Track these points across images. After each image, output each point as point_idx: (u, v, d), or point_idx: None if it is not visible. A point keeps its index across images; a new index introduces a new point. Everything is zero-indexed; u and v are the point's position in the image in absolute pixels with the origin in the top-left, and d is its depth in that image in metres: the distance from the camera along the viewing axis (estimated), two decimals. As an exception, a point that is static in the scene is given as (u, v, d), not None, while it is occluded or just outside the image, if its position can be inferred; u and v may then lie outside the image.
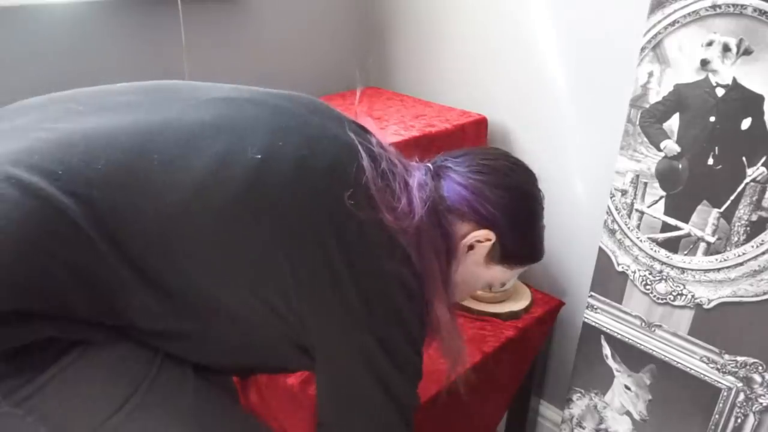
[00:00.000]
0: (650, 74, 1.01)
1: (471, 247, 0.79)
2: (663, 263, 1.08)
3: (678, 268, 1.06)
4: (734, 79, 0.92)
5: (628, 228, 1.11)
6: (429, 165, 0.81)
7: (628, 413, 1.23)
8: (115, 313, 0.62)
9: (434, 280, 0.74)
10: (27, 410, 0.60)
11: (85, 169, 0.59)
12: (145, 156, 0.62)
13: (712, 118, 0.95)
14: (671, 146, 1.02)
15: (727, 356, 1.04)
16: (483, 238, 0.78)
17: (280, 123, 0.70)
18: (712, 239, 1.01)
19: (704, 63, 0.94)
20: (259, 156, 0.65)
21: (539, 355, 1.48)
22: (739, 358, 1.03)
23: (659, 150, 1.03)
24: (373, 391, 0.72)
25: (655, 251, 1.08)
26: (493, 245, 0.79)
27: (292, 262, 0.65)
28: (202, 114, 0.68)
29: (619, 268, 1.14)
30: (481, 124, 1.45)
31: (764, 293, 0.97)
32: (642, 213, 1.09)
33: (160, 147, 0.63)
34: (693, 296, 1.06)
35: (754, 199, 0.94)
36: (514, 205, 0.79)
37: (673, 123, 1.00)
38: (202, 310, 0.66)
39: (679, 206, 1.03)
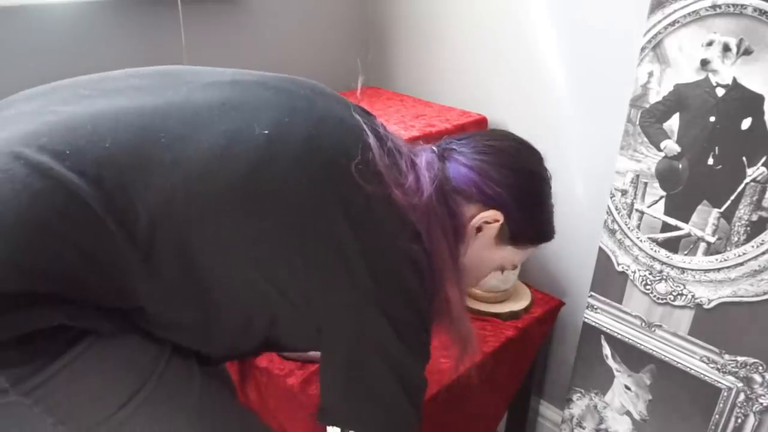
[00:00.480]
0: (650, 74, 1.01)
1: (479, 229, 0.79)
2: (663, 263, 1.08)
3: (678, 268, 1.06)
4: (734, 79, 0.92)
5: (628, 228, 1.11)
6: (434, 147, 0.81)
7: (628, 413, 1.23)
8: (124, 296, 0.62)
9: (443, 260, 0.73)
10: (34, 400, 0.60)
11: (92, 148, 0.59)
12: (151, 136, 0.62)
13: (712, 118, 0.95)
14: (671, 146, 1.02)
15: (727, 356, 1.04)
16: (491, 219, 0.78)
17: (287, 103, 0.70)
18: (712, 239, 1.01)
19: (704, 63, 0.94)
20: (266, 132, 0.65)
21: (539, 355, 1.48)
22: (740, 358, 1.03)
23: (659, 150, 1.03)
24: (380, 371, 0.71)
25: (655, 251, 1.08)
26: (501, 226, 0.79)
27: (299, 238, 0.65)
28: (209, 95, 0.68)
29: (619, 268, 1.14)
30: (481, 124, 1.45)
31: (764, 293, 0.97)
32: (642, 213, 1.09)
33: (166, 127, 0.63)
34: (693, 296, 1.06)
35: (754, 199, 0.94)
36: (520, 185, 0.79)
37: (673, 123, 1.00)
38: (207, 290, 0.66)
39: (679, 206, 1.03)
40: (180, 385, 0.69)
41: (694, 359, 1.09)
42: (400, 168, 0.72)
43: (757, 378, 1.02)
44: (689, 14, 0.94)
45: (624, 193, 1.10)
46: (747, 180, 0.94)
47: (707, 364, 1.07)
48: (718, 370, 1.06)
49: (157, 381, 0.66)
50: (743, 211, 0.96)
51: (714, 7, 0.91)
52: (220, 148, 0.63)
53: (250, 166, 0.64)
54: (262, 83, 0.73)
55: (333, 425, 0.75)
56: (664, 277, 1.08)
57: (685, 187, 1.02)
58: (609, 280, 1.16)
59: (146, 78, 0.71)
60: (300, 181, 0.65)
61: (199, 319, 0.68)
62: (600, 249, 1.16)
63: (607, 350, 1.21)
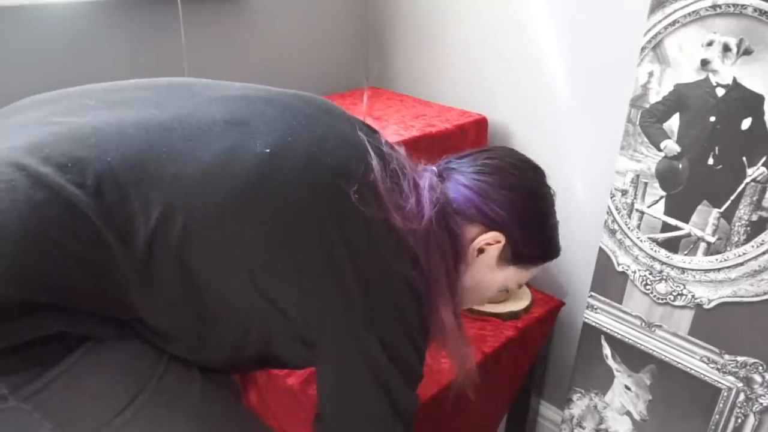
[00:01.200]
0: (650, 74, 1.01)
1: (481, 251, 0.78)
2: (663, 263, 1.08)
3: (678, 268, 1.06)
4: (734, 79, 0.92)
5: (629, 228, 1.11)
6: (433, 168, 0.80)
7: (629, 413, 1.23)
8: (123, 307, 0.62)
9: (441, 285, 0.73)
10: (34, 406, 0.60)
11: (94, 162, 0.60)
12: (153, 150, 0.62)
13: (713, 118, 0.95)
14: (671, 146, 1.02)
15: (727, 356, 1.04)
16: (492, 240, 0.77)
17: (291, 121, 0.70)
18: (712, 239, 1.01)
19: (704, 63, 0.94)
20: (268, 150, 0.65)
21: (539, 355, 1.48)
22: (740, 358, 1.03)
23: (659, 150, 1.03)
24: (371, 390, 0.71)
25: (656, 251, 1.08)
26: (503, 247, 0.78)
27: (295, 258, 0.65)
28: (213, 111, 0.68)
29: (620, 268, 1.14)
30: (481, 124, 1.45)
31: (764, 293, 0.97)
32: (642, 213, 1.09)
33: (169, 141, 0.63)
34: (693, 296, 1.06)
35: (754, 199, 0.94)
36: (521, 205, 0.78)
37: (673, 123, 1.00)
38: (204, 303, 0.66)
39: (680, 206, 1.03)
40: (180, 389, 0.69)
41: (694, 359, 1.09)
42: (402, 190, 0.72)
43: (757, 378, 1.02)
44: (689, 14, 0.94)
45: (624, 193, 1.10)
46: (747, 180, 0.94)
47: (707, 364, 1.07)
48: (718, 370, 1.06)
49: (157, 385, 0.66)
50: (743, 211, 0.96)
51: (714, 7, 0.91)
52: (220, 164, 0.63)
53: (248, 183, 0.63)
54: (267, 99, 0.73)
55: None
56: (664, 277, 1.08)
57: (685, 187, 1.02)
58: (609, 280, 1.16)
59: (153, 90, 0.71)
60: (297, 199, 0.65)
61: (196, 331, 0.68)
62: (600, 249, 1.16)
63: (607, 350, 1.21)
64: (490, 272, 0.81)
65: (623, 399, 1.22)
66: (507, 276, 0.83)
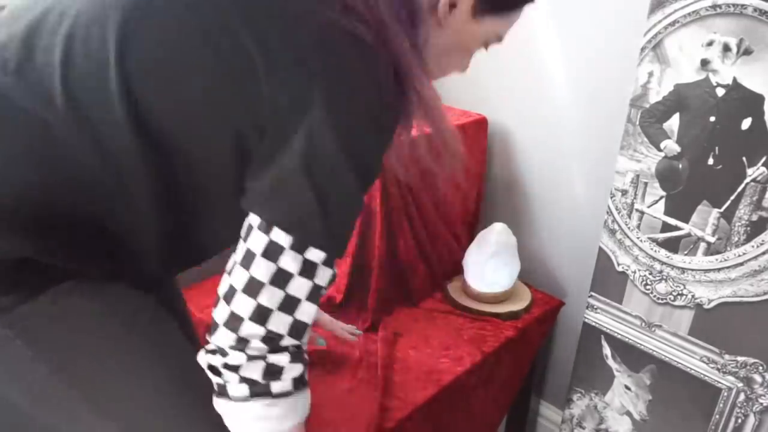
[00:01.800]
0: (650, 74, 1.01)
1: (453, 5, 0.71)
2: (663, 263, 1.08)
3: (678, 268, 1.06)
4: (734, 79, 0.92)
5: (629, 228, 1.11)
6: None
7: (629, 413, 1.23)
8: (85, 191, 0.60)
9: (396, 36, 0.64)
10: (17, 333, 0.60)
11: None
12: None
13: (713, 118, 0.95)
14: (671, 146, 1.02)
15: (727, 356, 1.04)
16: None
17: None
18: (712, 239, 1.01)
19: (704, 63, 0.94)
20: None
21: (539, 355, 1.48)
22: (740, 358, 1.03)
23: (659, 150, 1.03)
24: (304, 188, 0.60)
25: (656, 251, 1.08)
26: None
27: (203, 43, 0.58)
28: None
29: (620, 268, 1.14)
30: (481, 123, 1.45)
31: (764, 293, 0.97)
32: (642, 213, 1.09)
33: None
34: (693, 296, 1.06)
35: (754, 199, 0.94)
36: None
37: (673, 123, 1.00)
38: (161, 136, 0.60)
39: (679, 206, 1.03)
40: (160, 336, 0.70)
41: (694, 359, 1.09)
42: None
43: (757, 378, 1.02)
44: (689, 14, 0.94)
45: (624, 193, 1.10)
46: (747, 180, 0.94)
47: (707, 364, 1.07)
48: (718, 370, 1.06)
49: (141, 329, 0.66)
50: (743, 211, 0.96)
51: (714, 7, 0.91)
52: None
53: None
54: None
55: (248, 209, 0.63)
56: (664, 277, 1.08)
57: (685, 187, 1.02)
58: (609, 280, 1.16)
59: None
60: None
61: (163, 176, 0.62)
62: (600, 249, 1.16)
63: (607, 350, 1.21)
64: (468, 27, 0.76)
65: (623, 399, 1.22)
66: (486, 28, 0.78)
